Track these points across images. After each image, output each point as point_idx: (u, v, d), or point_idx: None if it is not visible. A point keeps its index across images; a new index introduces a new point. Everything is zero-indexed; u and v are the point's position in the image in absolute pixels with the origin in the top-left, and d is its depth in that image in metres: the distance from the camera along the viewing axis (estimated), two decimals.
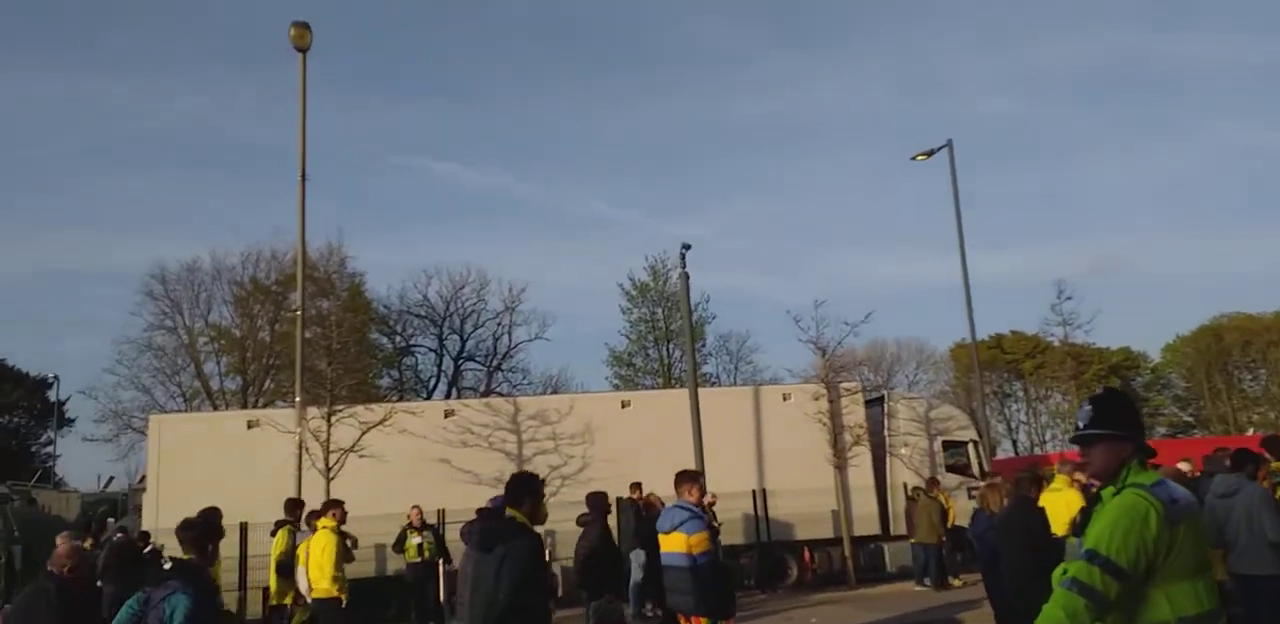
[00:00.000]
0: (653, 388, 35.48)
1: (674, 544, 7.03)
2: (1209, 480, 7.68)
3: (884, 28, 79.28)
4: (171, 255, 48.23)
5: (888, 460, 18.62)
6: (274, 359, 35.94)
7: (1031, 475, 7.63)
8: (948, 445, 19.03)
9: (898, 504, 18.07)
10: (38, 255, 62.44)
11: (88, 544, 16.78)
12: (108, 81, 64.16)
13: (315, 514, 10.62)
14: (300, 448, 13.83)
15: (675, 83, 76.16)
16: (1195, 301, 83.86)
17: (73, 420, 43.54)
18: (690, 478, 7.37)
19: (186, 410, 32.85)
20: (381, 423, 15.27)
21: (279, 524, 11.51)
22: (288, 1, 58.36)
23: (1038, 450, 57.86)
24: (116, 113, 63.30)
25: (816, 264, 77.71)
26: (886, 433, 18.76)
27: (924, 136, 64.96)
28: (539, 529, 5.26)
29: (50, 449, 43.20)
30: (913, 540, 16.57)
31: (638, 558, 12.98)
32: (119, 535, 15.25)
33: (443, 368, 41.83)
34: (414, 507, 14.45)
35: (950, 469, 18.76)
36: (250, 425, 16.35)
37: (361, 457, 14.70)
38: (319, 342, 16.64)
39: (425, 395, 39.49)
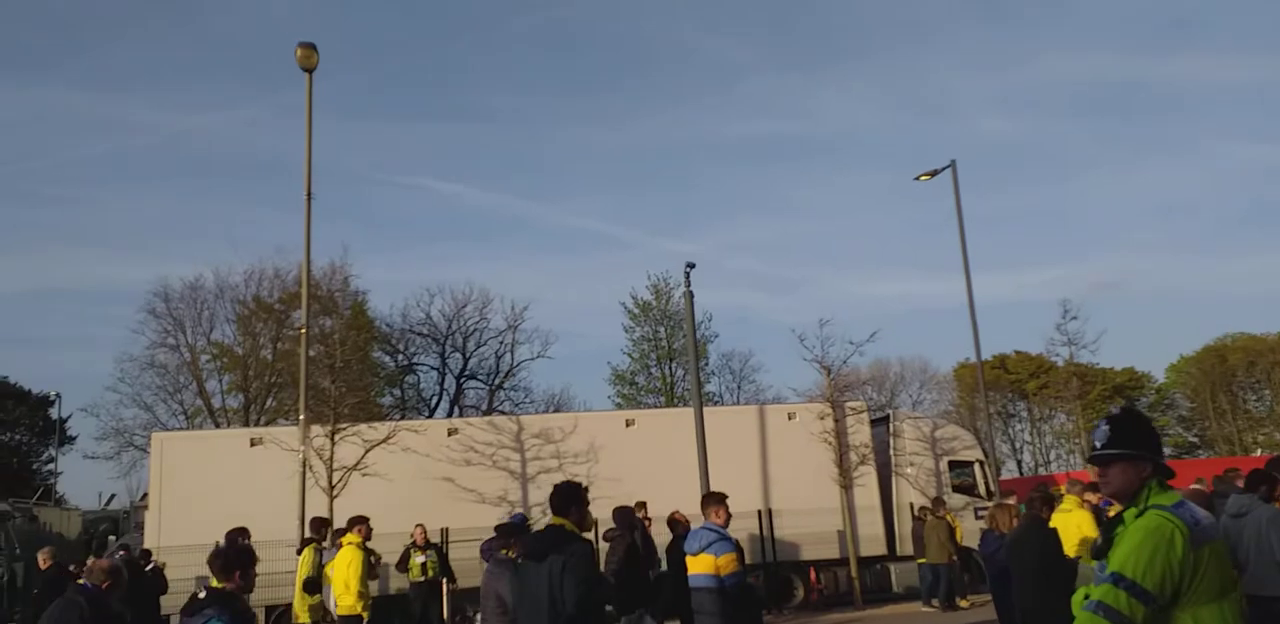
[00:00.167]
0: (655, 407, 35.39)
1: (702, 566, 6.99)
2: (1222, 501, 7.62)
3: (886, 48, 79.86)
4: (174, 273, 48.25)
5: (893, 480, 18.52)
6: (276, 377, 35.89)
7: (1043, 495, 7.57)
8: (954, 465, 18.93)
9: (904, 524, 17.94)
10: (40, 273, 62.60)
11: (90, 562, 16.72)
12: (111, 98, 64.60)
13: (340, 531, 10.64)
14: (304, 466, 13.76)
15: (677, 102, 76.62)
16: (1199, 322, 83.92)
17: (74, 438, 43.50)
18: (717, 500, 7.35)
19: (188, 428, 32.80)
20: (385, 441, 15.22)
21: (305, 542, 11.51)
22: (291, 20, 58.93)
23: (1042, 470, 57.60)
24: (120, 131, 63.70)
25: (819, 283, 77.83)
26: (892, 453, 18.68)
27: (927, 157, 65.07)
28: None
29: (52, 467, 43.11)
30: (920, 560, 16.45)
31: None
32: (120, 553, 15.18)
33: (445, 386, 41.81)
34: (418, 525, 14.37)
35: (957, 489, 18.64)
36: (253, 443, 16.30)
37: (365, 475, 14.64)
38: (322, 360, 16.61)
39: (427, 414, 39.41)
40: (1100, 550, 3.13)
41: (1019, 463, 60.85)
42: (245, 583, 4.74)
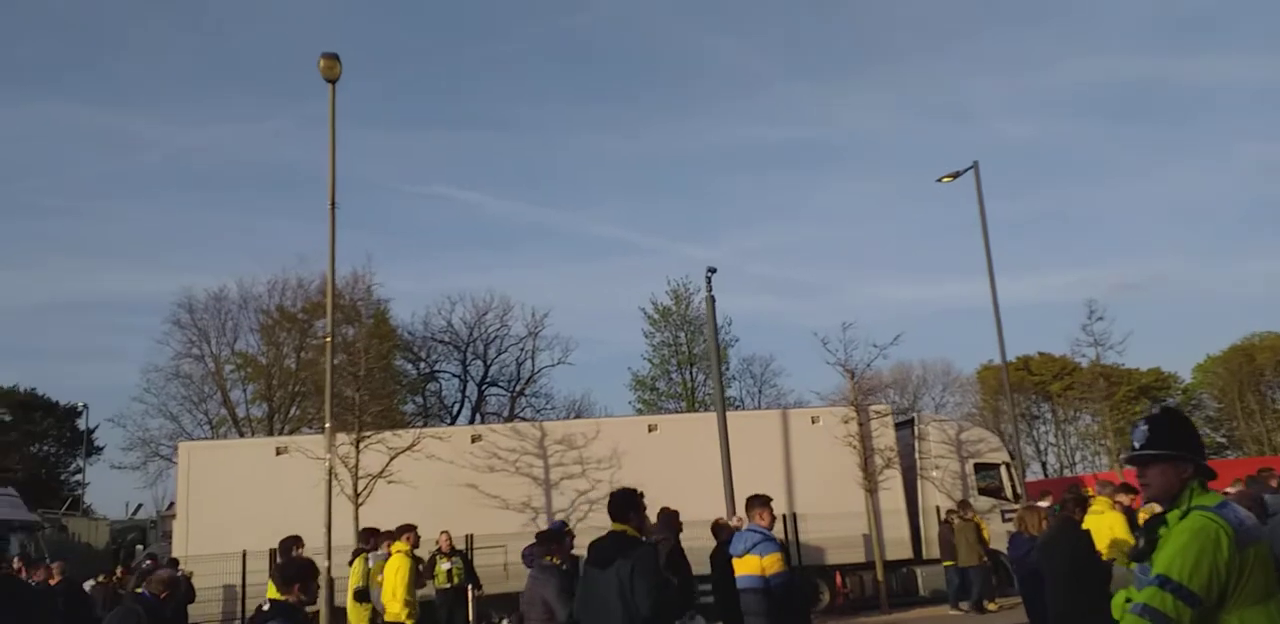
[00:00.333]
0: (676, 412, 35.31)
1: (748, 567, 7.14)
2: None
3: (904, 52, 79.59)
4: (198, 284, 48.57)
5: (919, 483, 18.39)
6: (299, 386, 36.08)
7: (1076, 497, 7.49)
8: (980, 468, 18.77)
9: (930, 528, 17.81)
10: (66, 286, 63.32)
11: (119, 572, 16.87)
12: (134, 110, 65.31)
13: (386, 536, 10.71)
14: (329, 474, 13.82)
15: (694, 108, 76.65)
16: (1226, 321, 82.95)
17: (101, 448, 43.95)
18: (762, 502, 7.47)
19: (213, 438, 33.03)
20: (409, 448, 15.26)
21: (356, 553, 11.59)
22: (305, 29, 59.38)
23: (1068, 472, 57.10)
24: (141, 142, 64.41)
25: (839, 287, 77.54)
26: (918, 456, 18.55)
27: (947, 161, 64.82)
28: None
29: (79, 477, 43.60)
30: (947, 563, 16.32)
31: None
32: (148, 562, 15.30)
33: (466, 393, 41.91)
34: (443, 532, 14.36)
35: (983, 492, 18.49)
36: (279, 452, 16.39)
37: (390, 482, 14.69)
38: (346, 368, 16.68)
39: (449, 421, 39.51)
40: (1143, 553, 3.09)
41: (1044, 465, 60.35)
42: (306, 595, 4.84)
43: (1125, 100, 79.62)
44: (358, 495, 14.54)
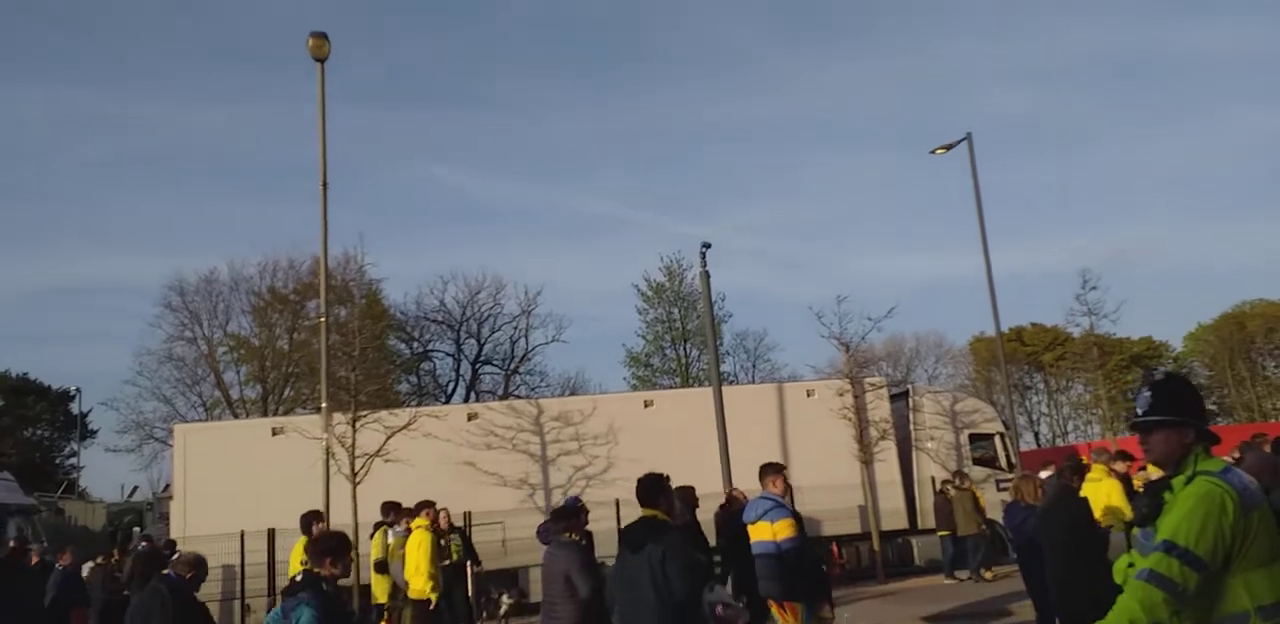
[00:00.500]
0: (671, 388, 35.39)
1: (760, 533, 7.33)
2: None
3: (896, 23, 79.01)
4: (190, 267, 48.35)
5: (914, 455, 18.50)
6: (293, 367, 36.04)
7: (1073, 464, 7.51)
8: (974, 438, 18.88)
9: (925, 498, 17.93)
10: (57, 270, 62.93)
11: (115, 555, 16.89)
12: (124, 93, 64.59)
13: (407, 512, 10.79)
14: (326, 454, 13.80)
15: (685, 82, 76.17)
16: (1217, 289, 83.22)
17: (95, 432, 43.91)
18: (775, 470, 7.64)
19: (207, 420, 33.01)
20: (406, 427, 15.24)
21: (377, 525, 11.70)
22: (294, 11, 58.65)
23: (1060, 441, 57.53)
24: (130, 126, 63.76)
25: (831, 261, 77.56)
26: (912, 427, 18.64)
27: (940, 133, 64.56)
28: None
29: (74, 461, 43.56)
30: (942, 533, 16.45)
31: None
32: (144, 544, 15.31)
33: (460, 372, 41.94)
34: (441, 509, 14.40)
35: (978, 462, 18.61)
36: (275, 433, 16.37)
37: (387, 461, 14.68)
38: (339, 348, 16.61)
39: (444, 400, 39.55)
40: (1147, 517, 3.08)
41: (1036, 435, 60.77)
42: (339, 569, 4.94)
43: (1118, 69, 79.36)
44: (355, 475, 14.54)
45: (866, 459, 17.06)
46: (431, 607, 9.88)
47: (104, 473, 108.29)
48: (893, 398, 18.94)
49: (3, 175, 60.58)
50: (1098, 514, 7.71)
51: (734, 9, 76.60)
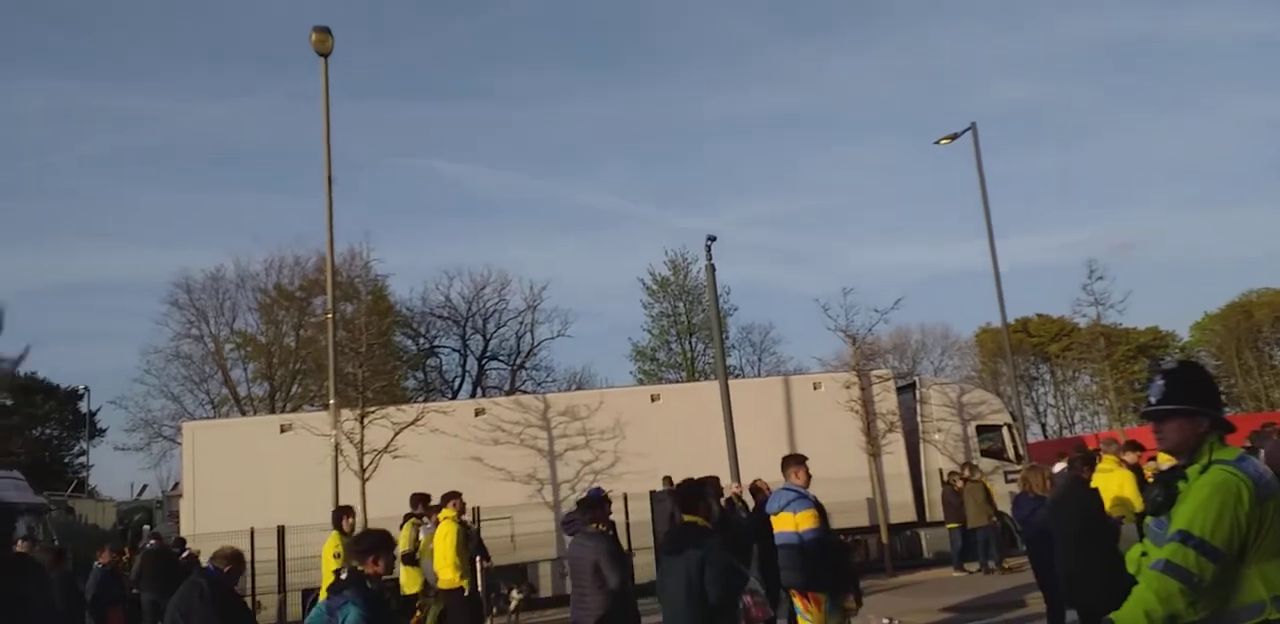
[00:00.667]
0: (676, 382, 35.39)
1: (783, 524, 7.44)
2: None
3: (898, 14, 78.70)
4: (196, 264, 48.43)
5: (921, 447, 18.48)
6: (300, 364, 36.10)
7: (1084, 455, 7.48)
8: (981, 430, 18.85)
9: (933, 491, 17.92)
10: (63, 268, 63.07)
11: (125, 554, 16.92)
12: (122, 89, 64.62)
13: (435, 507, 10.85)
14: (335, 450, 13.83)
15: (687, 74, 75.98)
16: (1223, 279, 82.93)
17: (104, 430, 44.05)
18: (797, 461, 7.71)
19: (215, 417, 33.08)
20: (414, 423, 15.27)
21: (406, 517, 11.75)
22: (294, 5, 58.56)
23: (1067, 432, 57.46)
24: (132, 121, 63.80)
25: (835, 253, 77.48)
26: (919, 419, 18.62)
27: (944, 122, 64.47)
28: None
29: (83, 459, 43.70)
30: (950, 525, 16.42)
31: None
32: (153, 542, 15.34)
33: (467, 368, 41.98)
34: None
35: (985, 453, 18.58)
36: (283, 429, 16.40)
37: (395, 457, 14.71)
38: (347, 345, 16.63)
39: (451, 396, 39.60)
40: (1160, 506, 3.07)
41: (1043, 426, 60.73)
42: (383, 566, 4.98)
43: (1121, 57, 78.99)
44: (364, 471, 14.57)
45: (874, 452, 17.04)
46: (466, 594, 10.00)
47: (113, 471, 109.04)
48: (899, 390, 18.92)
49: (6, 172, 60.71)
50: (1108, 505, 7.68)
51: (736, 1, 76.40)
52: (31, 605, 3.67)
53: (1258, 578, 2.85)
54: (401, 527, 11.65)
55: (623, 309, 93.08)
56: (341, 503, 13.05)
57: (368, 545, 5.01)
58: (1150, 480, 5.79)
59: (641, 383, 36.80)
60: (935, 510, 17.59)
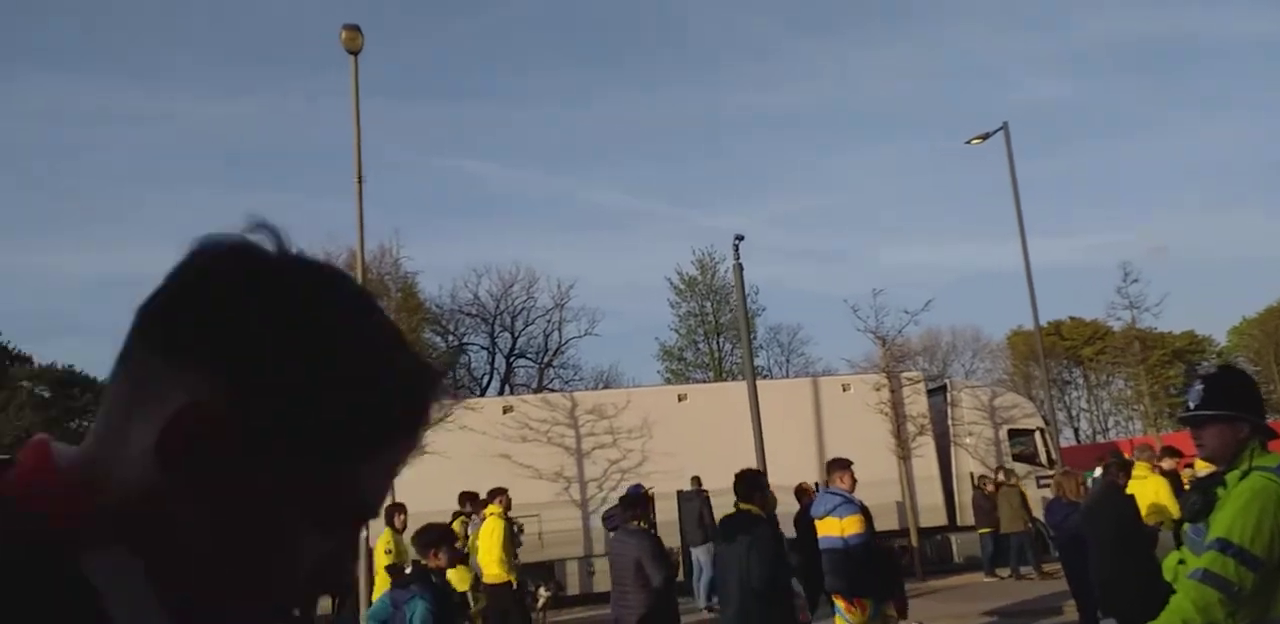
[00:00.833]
0: (704, 381, 35.34)
1: (828, 528, 7.46)
2: None
3: (928, 10, 78.04)
4: None
5: (952, 450, 18.31)
6: None
7: (1119, 461, 7.38)
8: (1014, 434, 18.64)
9: (964, 495, 17.75)
10: (101, 262, 64.09)
11: None
12: (153, 90, 65.55)
13: (482, 503, 10.97)
14: None
15: (714, 72, 75.74)
16: (1263, 282, 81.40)
17: None
18: (842, 466, 7.82)
19: None
20: (442, 420, 15.35)
21: (455, 515, 11.88)
22: (319, 3, 59.08)
23: (1100, 438, 56.72)
24: (167, 122, 64.67)
25: (863, 253, 76.99)
26: (950, 422, 18.45)
27: (975, 121, 63.88)
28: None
29: None
30: (982, 530, 16.24)
31: (708, 551, 12.94)
32: None
33: (495, 366, 42.18)
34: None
35: (1017, 458, 18.37)
36: None
37: (424, 454, 14.81)
38: None
39: (479, 393, 39.81)
40: (1198, 513, 3.02)
41: (1076, 431, 59.95)
42: (446, 560, 5.09)
43: (1158, 56, 77.87)
44: None
45: (904, 455, 16.91)
46: (514, 588, 10.10)
47: None
48: (930, 393, 18.76)
49: (50, 167, 61.81)
50: (1144, 512, 7.57)
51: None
52: None
53: None
54: (450, 524, 11.76)
55: (650, 308, 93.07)
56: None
57: (429, 539, 5.06)
58: (1187, 487, 5.70)
59: (669, 382, 36.78)
60: (966, 515, 17.42)
